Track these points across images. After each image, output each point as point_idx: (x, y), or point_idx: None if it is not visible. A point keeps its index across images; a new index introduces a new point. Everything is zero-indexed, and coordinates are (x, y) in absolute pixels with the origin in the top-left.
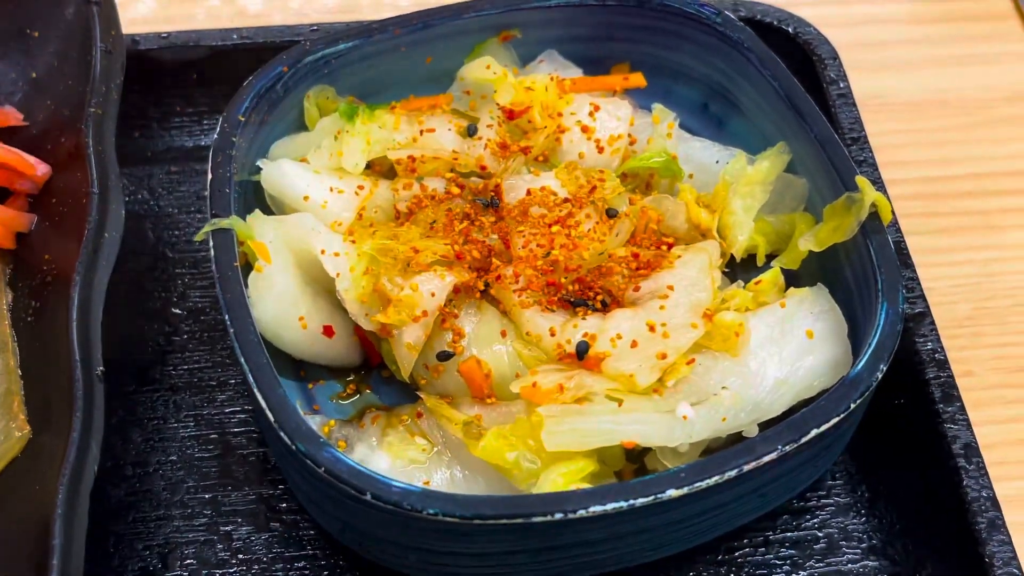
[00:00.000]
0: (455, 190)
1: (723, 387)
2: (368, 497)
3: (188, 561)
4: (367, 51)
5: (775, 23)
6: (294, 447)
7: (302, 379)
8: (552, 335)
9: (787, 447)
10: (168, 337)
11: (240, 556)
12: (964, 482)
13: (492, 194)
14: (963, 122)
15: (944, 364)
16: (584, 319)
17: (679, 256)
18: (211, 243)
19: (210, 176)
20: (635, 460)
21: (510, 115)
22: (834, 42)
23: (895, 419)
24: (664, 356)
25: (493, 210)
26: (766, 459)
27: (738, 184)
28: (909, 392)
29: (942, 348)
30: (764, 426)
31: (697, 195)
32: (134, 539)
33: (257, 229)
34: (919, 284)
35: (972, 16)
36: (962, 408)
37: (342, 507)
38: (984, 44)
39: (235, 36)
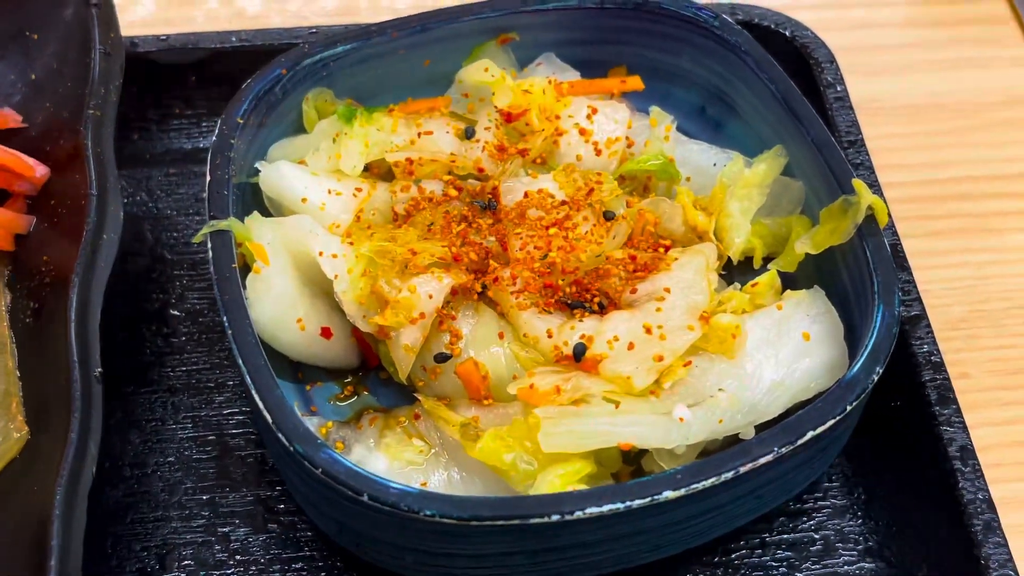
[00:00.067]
0: (453, 192)
1: (720, 389)
2: (365, 498)
3: (186, 562)
4: (365, 54)
5: (772, 26)
6: (292, 448)
7: (300, 381)
8: (549, 337)
9: (783, 449)
10: (166, 339)
11: (238, 557)
12: (960, 484)
13: (490, 196)
14: (959, 125)
15: (940, 366)
16: (581, 321)
17: (676, 258)
18: (209, 245)
19: (208, 178)
20: (632, 462)
21: (508, 118)
22: (831, 46)
23: (891, 421)
24: (661, 358)
25: (491, 212)
26: (762, 461)
27: (735, 187)
28: (905, 394)
29: (938, 350)
30: (760, 428)
31: (694, 198)
32: (132, 540)
33: (255, 231)
34: (915, 287)
35: (969, 20)
36: (958, 410)
37: (339, 508)
38: (980, 48)
39: (234, 39)
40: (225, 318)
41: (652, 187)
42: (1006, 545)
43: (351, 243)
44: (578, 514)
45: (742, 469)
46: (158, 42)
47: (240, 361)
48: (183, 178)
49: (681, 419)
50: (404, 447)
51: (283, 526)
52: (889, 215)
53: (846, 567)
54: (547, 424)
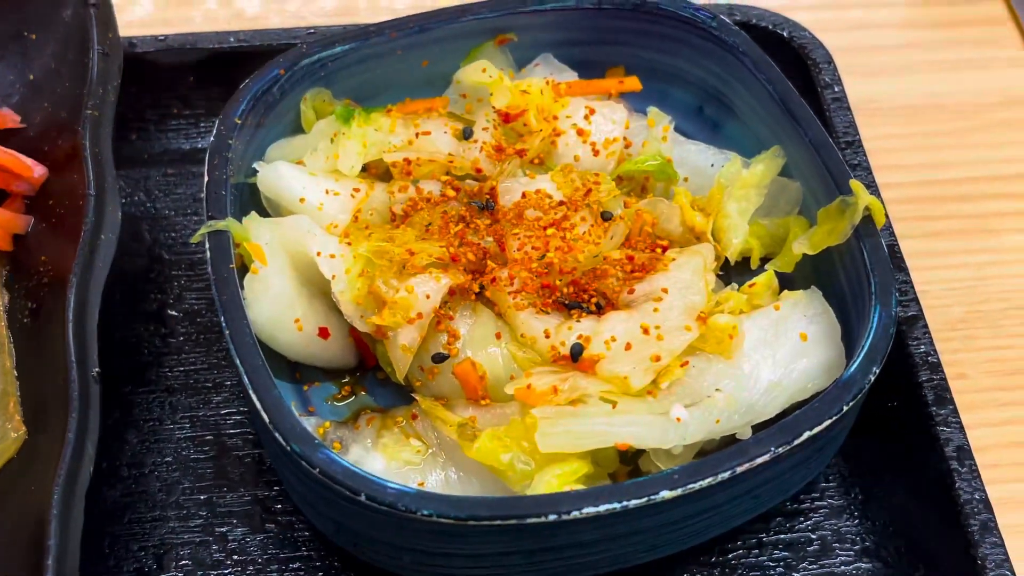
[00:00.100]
0: (451, 193)
1: (717, 389)
2: (363, 498)
3: (183, 562)
4: (364, 54)
5: (770, 27)
6: (289, 448)
7: (297, 381)
8: (547, 337)
9: (780, 449)
10: (164, 339)
11: (235, 557)
12: (957, 484)
13: (487, 197)
14: (957, 126)
15: (937, 367)
16: (579, 321)
17: (673, 259)
18: (207, 245)
19: (206, 178)
20: (629, 462)
21: (506, 118)
22: (829, 46)
23: (888, 422)
24: (658, 358)
25: (488, 213)
26: (759, 461)
27: (733, 187)
28: (902, 395)
29: (935, 351)
30: (757, 428)
31: (692, 198)
32: (129, 540)
33: (253, 231)
34: (912, 287)
35: (967, 21)
36: (955, 411)
37: (337, 508)
38: (979, 49)
39: (232, 39)
40: (223, 318)
41: (650, 187)
42: (1003, 545)
43: (349, 243)
44: (575, 514)
45: (739, 469)
46: (156, 42)
47: (237, 361)
48: (181, 178)
49: (678, 419)
50: (401, 447)
51: (280, 526)
52: (886, 215)
53: (843, 567)
54: (544, 424)
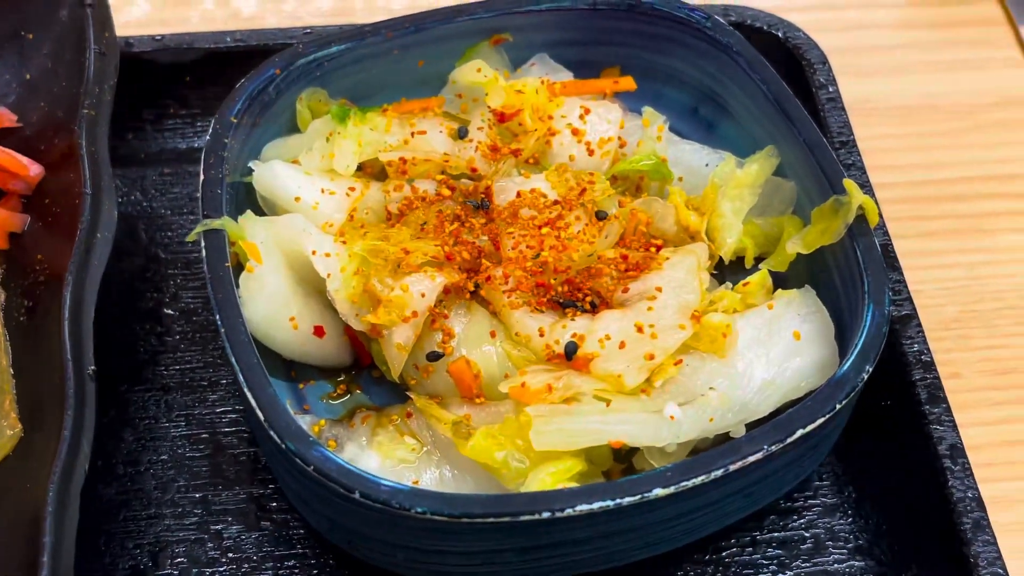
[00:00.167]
0: (446, 192)
1: (710, 388)
2: (357, 495)
3: (179, 560)
4: (359, 54)
5: (765, 27)
6: (284, 446)
7: (293, 379)
8: (541, 336)
9: (773, 447)
10: (160, 337)
11: (230, 555)
12: (949, 483)
13: (482, 196)
14: (952, 127)
15: (930, 366)
16: (573, 320)
17: (668, 258)
18: (203, 244)
19: (202, 177)
20: (623, 460)
21: (501, 118)
22: (824, 47)
23: (882, 420)
24: (652, 357)
25: (483, 212)
26: (752, 459)
27: (727, 187)
28: (896, 393)
29: (928, 350)
30: (751, 426)
31: (686, 198)
32: (125, 538)
33: (248, 230)
34: (906, 287)
35: (962, 21)
36: (948, 410)
37: (331, 506)
38: (974, 49)
39: (228, 39)
40: (218, 317)
41: (644, 187)
42: (995, 543)
43: (344, 242)
44: (569, 512)
45: (732, 467)
46: (153, 42)
47: (233, 359)
48: (177, 177)
49: (672, 417)
50: (396, 445)
51: (275, 524)
52: (880, 215)
53: (836, 565)
54: (538, 422)
